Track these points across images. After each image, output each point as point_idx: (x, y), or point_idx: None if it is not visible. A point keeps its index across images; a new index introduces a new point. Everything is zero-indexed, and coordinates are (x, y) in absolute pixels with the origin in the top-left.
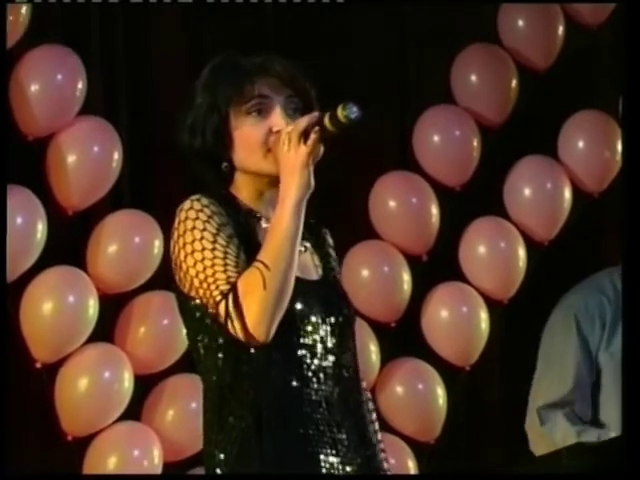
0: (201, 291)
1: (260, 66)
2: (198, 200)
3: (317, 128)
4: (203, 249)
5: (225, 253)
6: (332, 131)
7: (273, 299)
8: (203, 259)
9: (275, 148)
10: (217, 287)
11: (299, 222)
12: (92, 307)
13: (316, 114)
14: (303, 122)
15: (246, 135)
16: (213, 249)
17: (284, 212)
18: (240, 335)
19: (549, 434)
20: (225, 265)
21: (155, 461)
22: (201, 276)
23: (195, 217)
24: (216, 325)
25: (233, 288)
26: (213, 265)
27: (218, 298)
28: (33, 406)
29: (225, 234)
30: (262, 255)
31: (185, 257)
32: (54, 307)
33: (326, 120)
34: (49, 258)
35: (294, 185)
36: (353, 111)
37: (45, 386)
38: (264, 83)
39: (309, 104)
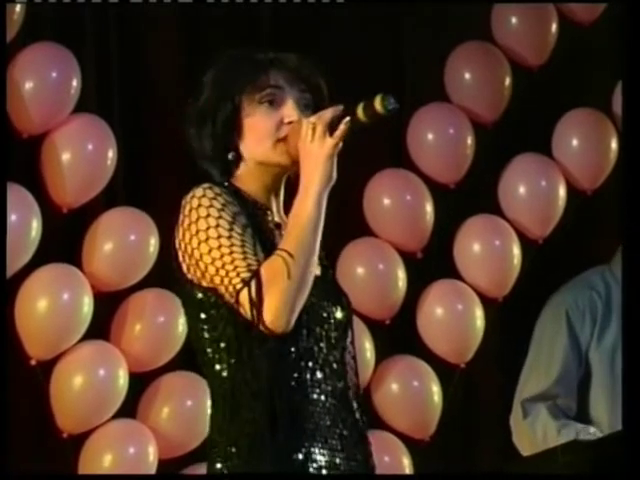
0: (217, 279)
1: (275, 58)
2: (210, 188)
3: (347, 119)
4: (219, 236)
5: (242, 241)
6: (364, 122)
7: (296, 288)
8: (220, 246)
9: (291, 138)
10: (238, 274)
11: (321, 212)
12: (87, 304)
13: (340, 107)
14: (328, 114)
15: (257, 123)
16: (230, 237)
17: (307, 202)
18: (261, 323)
19: (530, 427)
20: (244, 253)
21: (150, 458)
22: (218, 263)
23: (209, 205)
24: (227, 315)
25: (256, 275)
26: (231, 252)
27: (239, 286)
28: (28, 403)
29: (240, 223)
30: (285, 244)
31: (199, 244)
32: (49, 304)
33: (359, 111)
34: (44, 256)
35: (317, 176)
36: (391, 102)
37: (40, 383)
38: (279, 75)
39: (320, 101)
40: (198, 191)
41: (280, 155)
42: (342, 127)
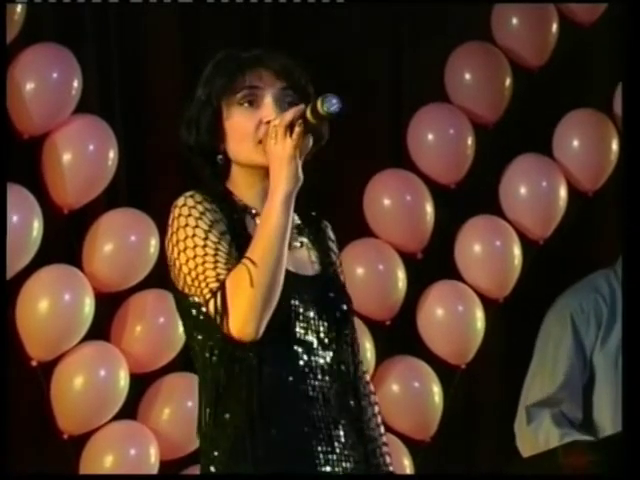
0: (193, 289)
1: (254, 58)
2: (192, 196)
3: (300, 121)
4: (195, 246)
5: (216, 250)
6: (314, 124)
7: (261, 296)
8: (195, 256)
9: (265, 140)
10: (207, 285)
11: (288, 217)
12: (88, 305)
13: (301, 107)
14: (289, 115)
15: (237, 125)
16: (204, 246)
17: (272, 207)
18: (229, 332)
19: (533, 433)
20: (215, 262)
21: (151, 459)
22: (192, 273)
23: (188, 214)
24: (211, 322)
25: (221, 286)
26: (204, 262)
27: (208, 296)
28: (29, 404)
29: (217, 231)
30: (250, 252)
31: (178, 254)
32: (50, 305)
33: (308, 112)
34: (45, 256)
35: (282, 178)
36: (332, 103)
37: (41, 384)
38: (256, 74)
39: (305, 98)
40: (180, 200)
41: (262, 156)
42: (296, 129)
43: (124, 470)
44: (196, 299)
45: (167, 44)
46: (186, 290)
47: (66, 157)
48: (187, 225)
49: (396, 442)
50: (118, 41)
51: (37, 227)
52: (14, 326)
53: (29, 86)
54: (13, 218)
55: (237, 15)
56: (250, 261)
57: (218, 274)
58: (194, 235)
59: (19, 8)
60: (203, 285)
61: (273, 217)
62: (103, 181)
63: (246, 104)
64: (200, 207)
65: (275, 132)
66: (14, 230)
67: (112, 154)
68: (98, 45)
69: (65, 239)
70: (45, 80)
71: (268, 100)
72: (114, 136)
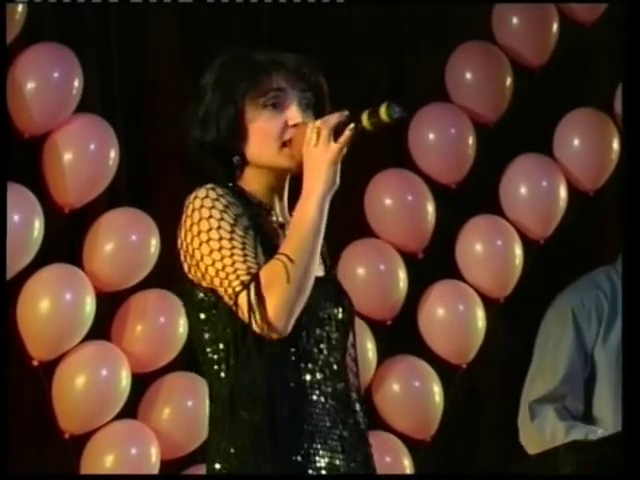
0: (217, 280)
1: (274, 60)
2: (213, 189)
3: (352, 125)
4: (220, 238)
5: (243, 244)
6: (369, 129)
7: (295, 292)
8: (220, 248)
9: (296, 141)
10: (237, 277)
11: (323, 217)
12: (89, 305)
13: (346, 112)
14: (334, 119)
15: (262, 128)
16: (231, 239)
17: (309, 206)
18: (259, 327)
19: (538, 430)
20: (245, 255)
21: (152, 459)
22: (218, 265)
23: (211, 206)
24: (226, 317)
25: (255, 279)
26: (232, 255)
27: (238, 289)
28: (30, 404)
29: (242, 225)
30: (285, 248)
31: (200, 245)
32: (51, 305)
33: (364, 118)
34: (46, 256)
35: (321, 180)
36: (396, 111)
37: (42, 384)
38: (280, 76)
39: (321, 99)
40: (201, 192)
41: (286, 160)
42: (347, 133)
43: (125, 470)
44: (217, 292)
45: (167, 44)
46: (204, 282)
47: (67, 156)
48: (211, 217)
49: (396, 442)
50: (118, 41)
51: (38, 226)
52: (15, 326)
53: (30, 85)
54: (14, 218)
55: (237, 15)
56: (287, 257)
57: (249, 267)
58: (219, 227)
59: (19, 8)
60: (232, 277)
61: (308, 217)
62: (104, 180)
63: (270, 107)
64: (223, 200)
65: (317, 134)
66: (15, 230)
67: (113, 153)
68: (98, 45)
69: (66, 238)
70: (46, 79)
71: (293, 102)
72: (115, 135)
